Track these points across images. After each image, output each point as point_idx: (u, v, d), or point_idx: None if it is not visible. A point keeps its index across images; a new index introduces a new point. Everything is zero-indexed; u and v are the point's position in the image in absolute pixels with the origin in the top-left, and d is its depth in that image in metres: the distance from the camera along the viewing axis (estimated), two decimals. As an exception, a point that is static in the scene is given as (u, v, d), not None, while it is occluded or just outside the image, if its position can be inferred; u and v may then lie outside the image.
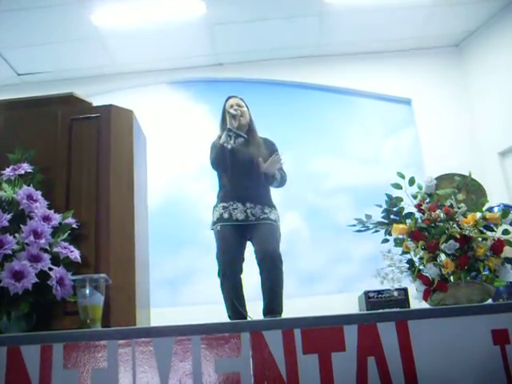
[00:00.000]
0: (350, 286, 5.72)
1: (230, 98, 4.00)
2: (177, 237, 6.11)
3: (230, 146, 3.74)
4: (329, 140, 6.56)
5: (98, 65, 6.69)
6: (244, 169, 3.78)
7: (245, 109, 3.93)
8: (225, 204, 3.75)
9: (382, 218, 2.67)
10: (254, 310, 3.61)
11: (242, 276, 3.69)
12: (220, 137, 3.87)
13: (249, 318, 3.58)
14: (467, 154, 6.09)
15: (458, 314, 1.86)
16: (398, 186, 2.65)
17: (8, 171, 2.42)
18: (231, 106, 3.89)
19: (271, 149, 3.92)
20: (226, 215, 3.70)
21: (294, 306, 3.62)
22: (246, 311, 3.64)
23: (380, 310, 4.54)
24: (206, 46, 6.52)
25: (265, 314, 3.54)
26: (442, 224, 2.47)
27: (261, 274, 3.62)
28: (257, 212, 3.70)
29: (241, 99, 3.99)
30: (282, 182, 3.88)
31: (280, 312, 3.55)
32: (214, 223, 3.77)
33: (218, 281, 3.68)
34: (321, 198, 6.31)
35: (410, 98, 6.68)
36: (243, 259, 3.73)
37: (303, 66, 6.78)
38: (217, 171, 3.91)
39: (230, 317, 3.60)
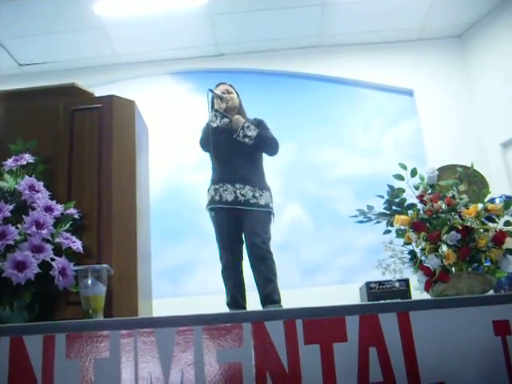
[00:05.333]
0: (351, 277, 5.73)
1: (219, 84, 4.04)
2: (178, 227, 6.12)
3: (215, 125, 3.78)
4: (330, 131, 6.55)
5: (99, 55, 6.68)
6: (232, 150, 3.79)
7: (233, 95, 3.96)
8: (216, 186, 3.78)
9: (384, 208, 2.66)
10: (252, 301, 3.63)
11: (243, 262, 3.75)
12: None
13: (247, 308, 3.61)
14: (469, 145, 6.08)
15: (459, 305, 1.86)
16: (399, 177, 2.64)
17: (10, 162, 2.42)
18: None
19: (258, 124, 3.91)
20: (216, 197, 3.74)
21: (295, 297, 3.62)
22: (244, 302, 3.68)
23: (381, 301, 4.55)
24: (207, 36, 6.51)
25: (263, 303, 3.55)
26: (443, 215, 2.47)
27: (251, 266, 3.65)
28: (247, 193, 3.70)
29: (230, 85, 4.01)
30: (260, 142, 3.80)
31: (278, 301, 3.57)
32: (207, 205, 3.82)
33: (219, 267, 3.74)
34: (322, 188, 6.31)
35: (412, 89, 6.66)
36: (242, 242, 3.76)
37: (304, 57, 6.76)
38: (204, 151, 3.94)
39: (228, 304, 3.65)
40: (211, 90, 3.85)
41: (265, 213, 3.74)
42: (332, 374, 1.72)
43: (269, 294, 3.55)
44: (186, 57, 6.82)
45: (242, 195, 3.69)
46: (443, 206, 2.49)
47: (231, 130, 3.81)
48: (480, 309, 1.85)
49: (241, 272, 3.73)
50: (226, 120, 3.80)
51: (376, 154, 6.40)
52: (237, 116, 3.83)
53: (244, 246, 3.76)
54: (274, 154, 3.93)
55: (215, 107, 3.86)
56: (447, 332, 1.79)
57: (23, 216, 2.21)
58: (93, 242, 2.44)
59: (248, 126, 3.79)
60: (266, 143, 3.85)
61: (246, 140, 3.77)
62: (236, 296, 3.64)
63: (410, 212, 2.58)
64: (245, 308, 3.62)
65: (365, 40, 6.71)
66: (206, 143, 3.84)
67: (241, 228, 3.74)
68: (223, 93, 3.90)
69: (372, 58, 6.69)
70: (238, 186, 3.72)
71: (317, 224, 6.18)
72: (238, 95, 4.00)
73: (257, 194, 3.73)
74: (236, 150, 3.79)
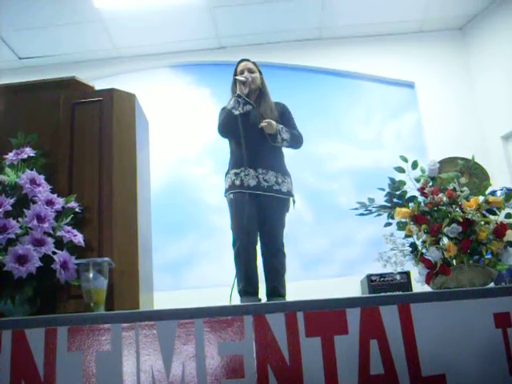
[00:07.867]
0: (352, 270, 5.73)
1: (241, 61, 3.92)
2: (179, 220, 6.13)
3: (237, 112, 3.66)
4: (331, 123, 6.55)
5: (99, 48, 6.67)
6: (255, 134, 3.68)
7: (256, 74, 3.84)
8: (236, 170, 3.69)
9: (385, 201, 2.66)
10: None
11: (257, 247, 3.64)
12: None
13: (260, 296, 3.57)
14: (470, 138, 6.08)
15: (460, 298, 1.86)
16: (400, 170, 2.64)
17: (11, 156, 2.42)
18: (241, 72, 3.82)
19: (282, 111, 3.86)
20: (237, 182, 3.64)
21: (296, 289, 3.63)
22: (258, 289, 3.57)
23: (382, 294, 4.56)
24: (208, 29, 6.49)
25: (268, 296, 3.54)
26: (444, 207, 2.47)
27: (263, 255, 3.62)
28: (270, 179, 3.63)
29: (253, 63, 3.91)
30: (293, 142, 3.77)
31: (283, 294, 3.55)
32: (227, 191, 3.73)
33: (231, 251, 3.63)
34: (323, 181, 6.31)
35: (412, 82, 6.65)
36: (258, 229, 3.66)
37: (305, 49, 6.75)
38: (223, 137, 3.84)
39: (240, 291, 3.53)
40: (236, 79, 3.75)
41: (285, 201, 3.69)
42: (333, 367, 1.73)
43: (275, 286, 3.53)
44: (187, 50, 6.80)
45: (265, 180, 3.62)
46: (444, 199, 2.49)
47: (256, 116, 3.71)
48: (481, 301, 1.85)
49: (256, 258, 3.61)
50: (248, 107, 3.69)
51: (377, 147, 6.39)
52: (267, 120, 3.66)
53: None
54: (297, 149, 3.87)
55: (237, 92, 3.72)
56: (448, 324, 1.80)
57: (24, 210, 2.21)
58: (94, 236, 2.44)
59: (281, 128, 3.70)
60: (296, 141, 3.81)
61: (285, 143, 3.73)
62: (250, 282, 3.52)
63: (410, 204, 2.58)
64: (258, 295, 3.55)
65: (365, 32, 6.69)
66: (225, 130, 3.76)
67: (258, 213, 3.64)
68: (243, 72, 3.80)
69: (373, 50, 6.67)
70: (260, 170, 3.64)
71: (318, 217, 6.18)
72: (260, 73, 3.89)
73: (279, 180, 3.67)
74: (258, 134, 3.68)
